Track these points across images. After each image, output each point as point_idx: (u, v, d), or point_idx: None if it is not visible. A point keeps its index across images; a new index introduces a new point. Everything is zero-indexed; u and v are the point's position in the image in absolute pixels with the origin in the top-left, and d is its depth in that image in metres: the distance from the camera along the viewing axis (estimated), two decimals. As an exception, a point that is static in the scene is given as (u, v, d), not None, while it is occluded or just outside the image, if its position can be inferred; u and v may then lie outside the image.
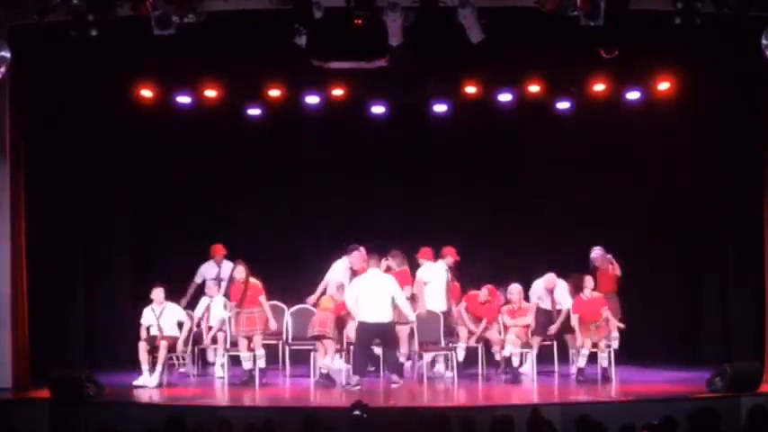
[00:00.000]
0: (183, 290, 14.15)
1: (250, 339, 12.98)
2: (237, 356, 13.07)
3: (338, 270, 13.74)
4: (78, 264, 14.54)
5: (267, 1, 12.08)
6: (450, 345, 13.37)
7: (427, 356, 13.48)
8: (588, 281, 13.34)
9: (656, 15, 11.62)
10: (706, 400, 11.35)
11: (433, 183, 15.58)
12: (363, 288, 12.80)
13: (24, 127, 13.14)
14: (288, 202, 15.65)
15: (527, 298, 13.72)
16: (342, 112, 14.69)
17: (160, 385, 12.89)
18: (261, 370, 12.98)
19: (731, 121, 14.05)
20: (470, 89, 14.24)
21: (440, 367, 13.80)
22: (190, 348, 13.36)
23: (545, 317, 13.58)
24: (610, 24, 11.20)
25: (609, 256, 14.07)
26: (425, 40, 12.06)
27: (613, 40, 11.52)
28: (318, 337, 12.88)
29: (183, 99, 14.32)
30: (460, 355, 13.36)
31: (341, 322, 13.01)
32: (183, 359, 13.34)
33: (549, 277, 13.61)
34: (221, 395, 12.76)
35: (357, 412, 9.37)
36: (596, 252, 14.09)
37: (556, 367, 13.78)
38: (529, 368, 13.43)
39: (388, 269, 13.28)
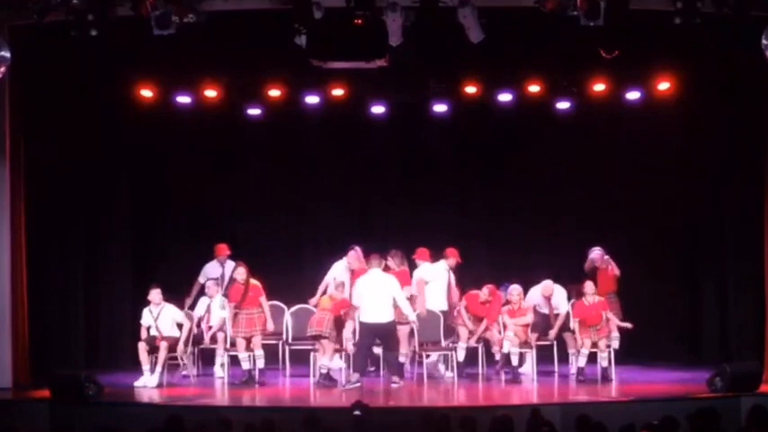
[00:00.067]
0: (188, 290, 14.12)
1: (249, 340, 12.98)
2: (237, 356, 13.07)
3: (338, 270, 13.74)
4: (78, 264, 14.53)
5: (267, 1, 12.10)
6: (452, 345, 13.36)
7: (434, 356, 13.48)
8: (589, 286, 13.32)
9: (656, 15, 11.62)
10: (706, 400, 11.35)
11: (432, 182, 15.57)
12: (365, 288, 12.80)
13: (24, 127, 13.15)
14: (288, 201, 15.64)
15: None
16: (342, 112, 14.69)
17: (160, 385, 12.89)
18: (260, 370, 12.98)
19: (731, 121, 14.06)
20: (470, 89, 14.23)
21: (440, 367, 13.78)
22: (190, 349, 13.34)
23: (543, 320, 13.58)
24: (610, 24, 11.21)
25: (606, 257, 14.06)
26: (425, 40, 12.06)
27: (613, 40, 11.52)
28: (316, 337, 12.88)
29: (183, 99, 14.32)
30: (461, 355, 13.36)
31: (340, 322, 13.01)
32: (184, 360, 13.32)
33: (546, 284, 13.59)
34: (221, 395, 12.76)
35: (357, 412, 9.38)
36: (596, 253, 14.08)
37: (556, 367, 13.76)
38: (529, 368, 13.43)
39: (387, 269, 13.26)
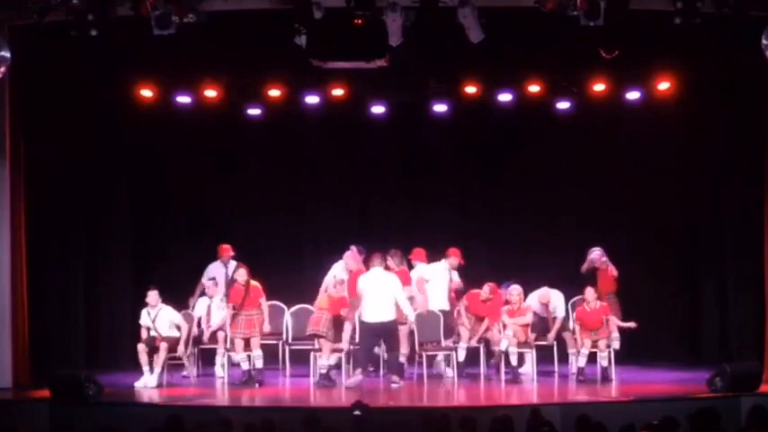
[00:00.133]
0: (192, 289, 14.10)
1: (247, 341, 12.98)
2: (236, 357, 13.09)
3: (337, 270, 13.73)
4: (78, 264, 14.54)
5: (267, 1, 12.10)
6: (453, 344, 13.36)
7: (441, 355, 13.47)
8: (589, 293, 13.31)
9: (656, 15, 11.62)
10: (706, 400, 11.35)
11: (432, 182, 15.57)
12: (367, 287, 12.82)
13: (24, 127, 13.15)
14: (288, 201, 15.64)
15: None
16: (342, 112, 14.69)
17: (160, 385, 12.89)
18: (260, 370, 12.98)
19: (731, 121, 14.06)
20: (470, 89, 14.23)
21: (443, 366, 13.78)
22: (190, 350, 13.33)
23: (541, 321, 13.58)
24: (610, 24, 11.21)
25: (604, 258, 14.05)
26: (425, 40, 12.06)
27: (613, 40, 11.52)
28: (313, 336, 12.89)
29: (183, 99, 14.32)
30: (461, 354, 13.36)
31: (339, 321, 13.00)
32: (185, 360, 13.31)
33: (542, 293, 13.55)
34: (221, 395, 12.76)
35: (357, 412, 9.38)
36: (595, 253, 14.07)
37: (556, 367, 13.76)
38: (529, 368, 13.42)
39: (387, 269, 13.26)
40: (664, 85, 13.99)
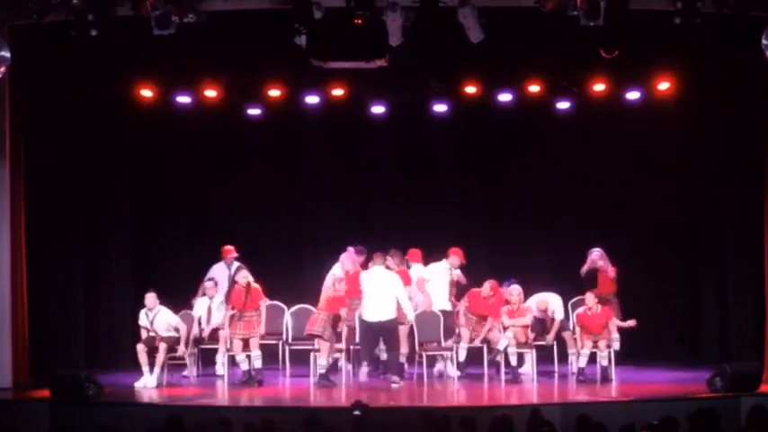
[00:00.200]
0: (195, 290, 14.07)
1: (246, 341, 12.98)
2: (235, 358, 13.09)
3: (336, 271, 13.72)
4: (78, 264, 14.53)
5: (267, 1, 12.10)
6: (454, 344, 13.35)
7: (446, 356, 13.46)
8: (589, 298, 13.30)
9: (656, 15, 11.62)
10: (706, 400, 11.36)
11: (432, 182, 15.57)
12: (368, 285, 12.84)
13: (24, 127, 13.16)
14: (288, 201, 15.65)
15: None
16: (342, 112, 14.69)
17: (160, 385, 12.89)
18: (259, 370, 12.97)
19: (731, 121, 14.06)
20: (470, 89, 14.23)
21: (440, 366, 13.78)
22: (190, 350, 13.33)
23: (540, 323, 13.58)
24: (610, 24, 11.21)
25: (601, 262, 14.03)
26: (425, 40, 12.06)
27: (613, 40, 11.52)
28: (310, 337, 12.91)
29: (183, 99, 14.31)
30: (462, 355, 13.35)
31: (337, 320, 13.00)
32: (186, 359, 13.32)
33: (540, 299, 13.55)
34: (221, 395, 12.76)
35: (357, 412, 9.38)
36: (595, 254, 14.06)
37: (556, 367, 13.76)
38: (529, 368, 13.42)
39: (386, 269, 13.26)
40: (664, 85, 13.99)
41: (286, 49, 11.86)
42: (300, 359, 13.51)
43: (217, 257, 14.31)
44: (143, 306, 13.19)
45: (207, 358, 13.89)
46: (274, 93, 14.31)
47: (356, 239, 14.03)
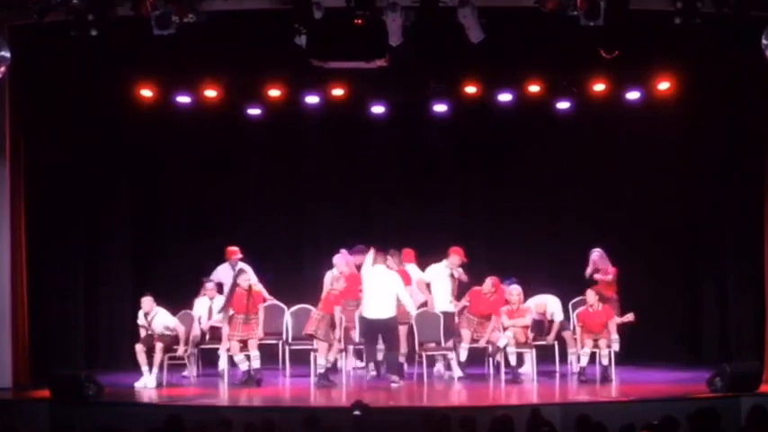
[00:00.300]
0: (195, 290, 14.05)
1: (244, 342, 12.98)
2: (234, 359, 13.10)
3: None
4: (78, 264, 14.54)
5: (267, 1, 12.10)
6: (456, 344, 13.35)
7: (450, 356, 13.46)
8: (590, 296, 13.30)
9: (656, 15, 11.63)
10: (706, 400, 11.36)
11: (432, 182, 15.57)
12: (369, 284, 12.87)
13: (24, 127, 13.16)
14: (288, 201, 15.65)
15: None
16: (342, 112, 14.69)
17: (160, 385, 12.89)
18: (258, 370, 12.97)
19: (731, 121, 14.06)
20: (470, 89, 14.23)
21: (440, 366, 13.78)
22: (190, 350, 13.32)
23: (539, 324, 13.59)
24: (610, 24, 11.21)
25: (600, 263, 14.03)
26: (425, 40, 12.07)
27: (613, 40, 11.52)
28: (308, 337, 12.92)
29: (183, 99, 14.31)
30: (463, 355, 13.35)
31: (334, 320, 12.99)
32: (185, 359, 13.32)
33: (539, 301, 13.55)
34: (221, 395, 12.76)
35: (357, 412, 9.39)
36: (595, 254, 14.06)
37: (557, 367, 13.76)
38: (529, 368, 13.42)
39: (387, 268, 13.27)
40: (664, 85, 13.99)
41: (286, 49, 11.86)
42: (300, 359, 13.50)
43: (216, 257, 14.30)
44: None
45: (207, 358, 13.89)
46: (274, 93, 14.31)
47: (356, 239, 14.03)
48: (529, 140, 15.22)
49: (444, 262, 13.68)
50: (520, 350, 13.21)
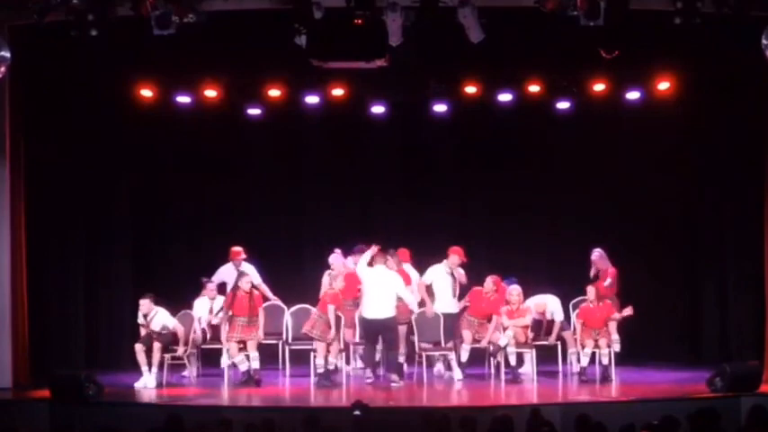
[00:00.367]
0: (196, 290, 14.06)
1: (243, 343, 12.98)
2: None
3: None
4: (78, 264, 14.53)
5: (267, 1, 12.10)
6: (457, 345, 13.35)
7: (452, 356, 13.45)
8: (591, 292, 13.31)
9: (656, 15, 11.63)
10: (706, 400, 11.36)
11: (432, 182, 15.57)
12: (368, 284, 12.87)
13: (24, 127, 13.16)
14: (288, 201, 15.65)
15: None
16: (342, 112, 14.69)
17: (160, 385, 12.89)
18: (257, 370, 12.96)
19: (731, 121, 14.06)
20: (470, 89, 14.23)
21: (440, 366, 13.78)
22: (190, 350, 13.31)
23: (537, 326, 13.59)
24: (610, 24, 11.21)
25: (599, 263, 14.03)
26: (425, 40, 12.07)
27: (613, 40, 11.52)
28: (304, 336, 12.93)
29: (183, 99, 14.31)
30: (464, 356, 13.34)
31: (337, 319, 12.98)
32: (184, 359, 13.33)
33: (538, 301, 13.55)
34: (221, 395, 12.76)
35: (357, 412, 9.39)
36: (595, 254, 14.05)
37: (560, 367, 13.75)
38: (529, 368, 13.42)
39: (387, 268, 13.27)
40: (664, 85, 13.99)
41: (286, 49, 11.86)
42: (300, 359, 13.51)
43: (216, 257, 14.29)
44: (142, 307, 13.21)
45: (207, 358, 13.89)
46: (274, 93, 14.31)
47: (356, 239, 14.03)
48: (529, 140, 15.22)
49: (444, 262, 13.68)
50: (520, 350, 13.21)
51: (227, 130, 15.00)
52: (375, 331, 12.93)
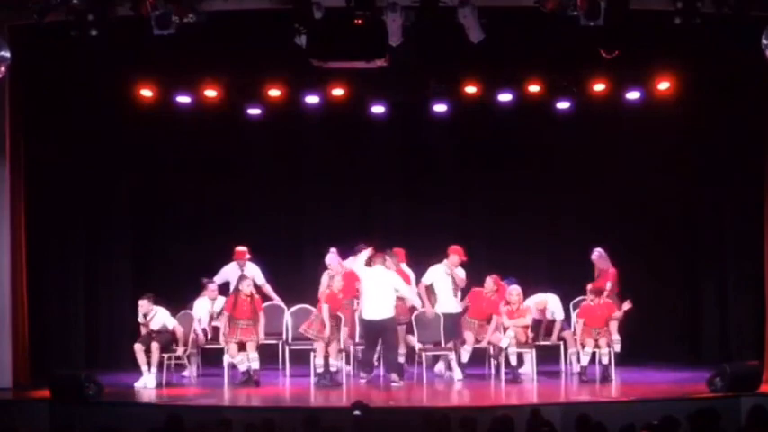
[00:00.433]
0: (196, 290, 14.06)
1: (243, 344, 12.98)
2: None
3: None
4: (78, 264, 14.54)
5: (267, 1, 12.10)
6: (458, 345, 13.35)
7: (452, 356, 13.44)
8: (590, 291, 13.31)
9: (656, 15, 11.63)
10: (706, 400, 11.36)
11: (432, 182, 15.56)
12: (367, 284, 12.88)
13: (24, 127, 13.16)
14: (288, 201, 15.64)
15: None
16: (342, 112, 14.68)
17: (160, 385, 12.89)
18: (257, 371, 12.96)
19: (731, 121, 14.07)
20: (470, 89, 14.22)
21: (440, 366, 13.78)
22: (190, 350, 13.32)
23: (539, 324, 13.59)
24: (610, 24, 11.21)
25: (599, 263, 14.03)
26: (425, 40, 12.07)
27: (613, 40, 11.52)
28: (303, 337, 12.93)
29: (183, 99, 14.30)
30: (464, 356, 13.34)
31: (333, 320, 12.97)
32: (186, 360, 13.33)
33: (539, 299, 13.55)
34: (221, 395, 12.75)
35: (357, 412, 9.39)
36: (594, 254, 14.05)
37: (562, 366, 13.74)
38: (529, 368, 13.42)
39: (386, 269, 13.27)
40: (664, 85, 13.98)
41: (286, 49, 11.86)
42: (300, 359, 13.51)
43: (217, 257, 14.30)
44: (142, 307, 13.21)
45: (207, 358, 13.89)
46: (274, 93, 14.30)
47: (356, 239, 14.03)
48: (529, 140, 15.21)
49: (444, 262, 13.67)
50: (520, 350, 13.21)
51: (227, 130, 14.99)
52: (374, 333, 12.93)
